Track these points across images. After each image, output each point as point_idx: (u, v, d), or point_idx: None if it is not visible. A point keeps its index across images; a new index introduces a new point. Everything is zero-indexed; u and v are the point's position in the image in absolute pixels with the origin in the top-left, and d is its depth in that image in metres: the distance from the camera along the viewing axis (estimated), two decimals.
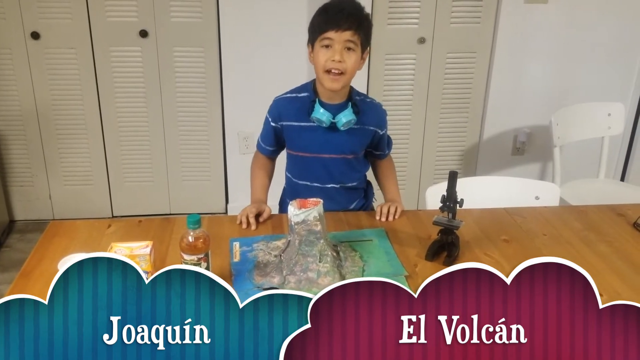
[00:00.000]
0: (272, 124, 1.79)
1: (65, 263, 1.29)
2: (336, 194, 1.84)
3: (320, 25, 1.62)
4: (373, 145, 1.85)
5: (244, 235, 1.64)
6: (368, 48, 1.70)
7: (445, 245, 1.56)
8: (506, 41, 3.13)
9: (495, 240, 1.66)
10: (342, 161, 1.80)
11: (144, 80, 3.13)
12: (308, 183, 1.83)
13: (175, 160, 3.31)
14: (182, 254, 1.32)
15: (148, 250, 1.31)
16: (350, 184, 1.86)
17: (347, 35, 1.60)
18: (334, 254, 1.47)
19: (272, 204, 1.83)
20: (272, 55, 3.08)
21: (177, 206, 3.38)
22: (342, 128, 1.71)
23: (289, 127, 1.77)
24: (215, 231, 1.62)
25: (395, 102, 3.24)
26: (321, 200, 1.43)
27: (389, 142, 1.92)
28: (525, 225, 1.75)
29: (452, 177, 1.50)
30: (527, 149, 3.38)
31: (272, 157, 1.89)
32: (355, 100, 1.74)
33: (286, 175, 1.91)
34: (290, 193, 1.90)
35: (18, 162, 3.24)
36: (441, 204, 1.54)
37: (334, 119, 1.70)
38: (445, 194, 1.52)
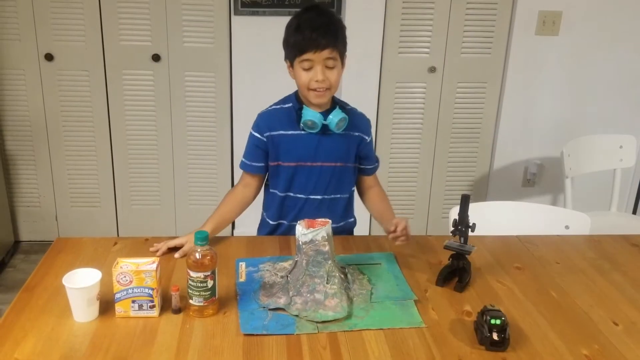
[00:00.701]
0: (257, 135, 1.73)
1: (70, 278, 1.27)
2: (326, 207, 1.78)
3: (297, 46, 1.61)
4: (362, 156, 1.81)
5: (251, 256, 1.61)
6: (346, 53, 1.68)
7: (457, 271, 1.53)
8: (517, 72, 3.14)
9: (508, 268, 1.63)
10: (335, 170, 1.76)
11: (155, 103, 3.14)
12: (300, 195, 1.77)
13: (183, 184, 3.30)
14: (189, 271, 1.29)
15: (154, 266, 1.28)
16: (340, 195, 1.80)
17: (326, 53, 1.59)
18: (342, 275, 1.44)
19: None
20: (282, 81, 3.07)
21: (184, 230, 3.35)
22: (336, 129, 1.68)
23: (278, 137, 1.72)
24: (221, 251, 1.59)
25: (405, 130, 3.23)
26: (329, 221, 1.40)
27: (377, 158, 1.88)
28: (537, 253, 1.72)
29: (465, 201, 1.48)
30: (538, 180, 3.36)
31: (259, 175, 1.79)
32: (339, 103, 1.74)
33: (269, 192, 1.82)
34: (275, 209, 1.81)
35: (26, 182, 3.24)
36: (452, 228, 1.51)
37: (325, 121, 1.68)
38: (457, 217, 1.50)
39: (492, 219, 1.95)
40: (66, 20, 2.97)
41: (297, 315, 1.32)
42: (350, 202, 1.86)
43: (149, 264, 1.29)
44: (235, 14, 3.00)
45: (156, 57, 3.05)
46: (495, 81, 3.19)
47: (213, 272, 1.30)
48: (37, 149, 3.18)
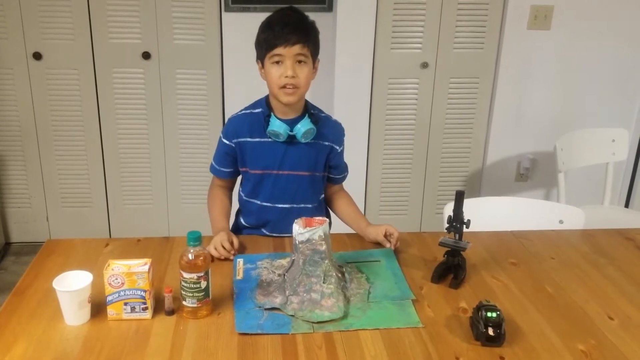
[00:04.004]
0: (226, 141, 1.71)
1: (60, 281, 1.25)
2: (295, 215, 1.68)
3: (267, 41, 1.58)
4: (331, 165, 1.78)
5: (249, 253, 1.60)
6: (318, 57, 1.66)
7: (452, 268, 1.52)
8: (509, 67, 3.13)
9: (503, 263, 1.62)
10: (302, 179, 1.73)
11: (146, 102, 3.12)
12: (267, 204, 1.75)
13: (175, 182, 3.28)
14: (182, 272, 1.28)
15: (146, 268, 1.27)
16: (311, 205, 1.78)
17: (297, 49, 1.57)
18: (339, 275, 1.42)
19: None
20: None
21: (176, 229, 3.34)
22: (302, 139, 1.65)
23: (244, 144, 1.70)
24: None
25: (398, 126, 3.22)
26: (327, 219, 1.39)
27: (346, 167, 1.85)
28: (532, 249, 1.72)
29: (459, 197, 1.47)
30: (531, 175, 3.35)
31: (229, 179, 1.80)
32: (311, 112, 1.69)
33: (240, 195, 1.82)
34: (245, 213, 1.81)
35: (16, 183, 3.21)
36: (447, 225, 1.50)
37: (291, 131, 1.65)
38: (451, 214, 1.49)
39: (487, 214, 1.94)
40: (54, 18, 2.94)
41: (292, 315, 1.31)
42: (319, 209, 1.83)
43: (140, 265, 1.27)
44: (226, 10, 2.98)
45: (146, 55, 3.02)
46: (487, 76, 3.18)
47: (206, 273, 1.29)
48: (27, 149, 3.15)
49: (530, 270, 1.59)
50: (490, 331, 1.24)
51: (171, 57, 3.05)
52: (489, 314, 1.25)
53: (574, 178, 3.17)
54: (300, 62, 1.59)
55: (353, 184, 3.33)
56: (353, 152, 3.18)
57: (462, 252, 1.51)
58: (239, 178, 1.83)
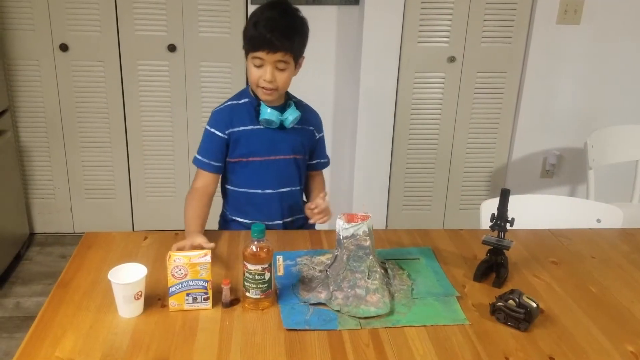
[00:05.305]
0: (219, 133, 1.71)
1: (114, 274, 1.25)
2: (287, 199, 1.79)
3: (251, 42, 1.59)
4: (312, 151, 1.82)
5: (282, 250, 1.59)
6: (303, 55, 1.68)
7: (494, 266, 1.50)
8: (537, 61, 3.10)
9: (544, 262, 1.60)
10: (292, 162, 1.76)
11: (170, 94, 3.11)
12: (258, 190, 1.76)
13: None
14: (246, 264, 1.28)
15: (209, 258, 1.29)
16: (300, 187, 1.82)
17: (278, 56, 1.58)
18: (383, 271, 1.41)
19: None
20: (299, 72, 3.05)
21: None
22: (289, 125, 1.69)
23: (238, 133, 1.71)
24: None
25: (424, 120, 3.20)
26: (370, 215, 1.38)
27: (326, 155, 1.90)
28: (572, 247, 1.69)
29: (504, 195, 1.45)
30: (557, 171, 3.32)
31: (217, 174, 1.76)
32: (293, 100, 1.75)
33: (228, 189, 1.81)
34: (234, 206, 1.81)
35: (41, 174, 3.22)
36: (491, 223, 1.48)
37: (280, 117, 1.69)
38: (495, 212, 1.47)
39: (520, 212, 1.91)
40: (81, 10, 2.93)
41: (338, 311, 1.30)
42: (302, 191, 1.87)
43: (201, 256, 1.29)
44: (252, 3, 2.96)
45: (172, 48, 3.02)
46: (515, 71, 3.15)
47: (270, 265, 1.29)
48: (52, 141, 3.15)
49: (572, 269, 1.57)
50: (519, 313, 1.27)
51: (196, 50, 3.03)
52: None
53: (599, 174, 3.13)
54: (280, 68, 1.61)
55: (377, 178, 3.32)
56: (377, 146, 3.18)
57: (505, 251, 1.49)
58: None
